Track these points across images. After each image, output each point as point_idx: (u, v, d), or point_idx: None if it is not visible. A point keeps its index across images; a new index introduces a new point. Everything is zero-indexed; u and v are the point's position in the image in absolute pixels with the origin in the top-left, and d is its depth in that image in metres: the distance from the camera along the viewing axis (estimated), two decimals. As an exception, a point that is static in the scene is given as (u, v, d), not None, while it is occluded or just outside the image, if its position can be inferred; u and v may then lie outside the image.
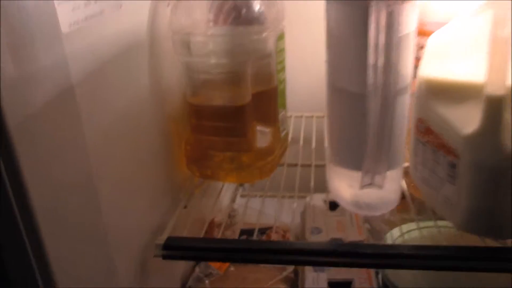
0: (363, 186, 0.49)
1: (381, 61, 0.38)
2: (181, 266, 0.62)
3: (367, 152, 0.45)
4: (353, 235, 0.63)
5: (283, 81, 0.61)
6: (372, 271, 0.59)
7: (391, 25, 0.37)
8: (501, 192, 0.41)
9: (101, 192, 0.40)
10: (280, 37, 0.57)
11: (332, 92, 0.48)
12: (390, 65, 0.39)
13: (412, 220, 0.60)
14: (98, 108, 0.40)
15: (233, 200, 0.88)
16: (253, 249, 0.47)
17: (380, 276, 0.58)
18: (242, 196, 0.90)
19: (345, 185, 0.52)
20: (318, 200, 0.74)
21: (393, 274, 0.55)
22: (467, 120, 0.42)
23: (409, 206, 0.57)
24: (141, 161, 0.49)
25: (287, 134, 0.65)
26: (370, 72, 0.39)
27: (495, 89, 0.38)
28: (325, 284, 0.57)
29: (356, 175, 0.49)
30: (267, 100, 0.58)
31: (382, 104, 0.41)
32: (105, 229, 0.41)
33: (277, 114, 0.60)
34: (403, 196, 0.56)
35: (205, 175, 0.59)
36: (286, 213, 0.82)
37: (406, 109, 0.47)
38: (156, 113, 0.53)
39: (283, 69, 0.60)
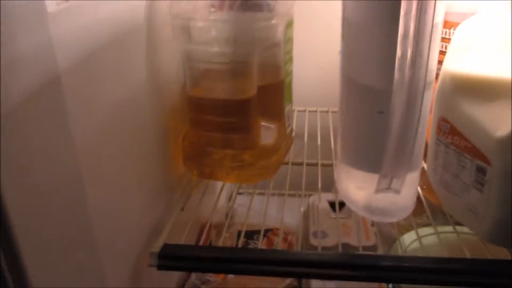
0: (379, 190, 0.44)
1: (410, 52, 0.34)
2: (177, 272, 0.58)
3: (387, 153, 0.41)
4: (362, 239, 0.59)
5: (290, 73, 0.57)
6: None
7: (424, 12, 0.33)
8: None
9: (91, 194, 0.35)
10: (289, 24, 0.52)
11: (348, 87, 0.44)
12: (420, 58, 0.34)
13: (424, 225, 0.56)
14: (89, 101, 0.35)
15: (230, 198, 0.84)
16: (257, 259, 0.42)
17: (392, 286, 0.54)
18: (239, 193, 0.86)
19: (357, 188, 0.48)
20: (321, 200, 0.70)
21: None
22: (500, 121, 0.38)
23: (422, 209, 0.53)
24: (135, 159, 0.44)
25: (292, 130, 0.61)
26: (398, 65, 0.35)
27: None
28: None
29: (370, 178, 0.45)
30: (274, 93, 0.54)
31: (408, 101, 0.37)
32: (95, 234, 0.37)
33: (283, 108, 0.55)
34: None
35: (204, 174, 0.54)
36: (287, 213, 0.78)
37: (429, 106, 0.43)
38: (153, 107, 0.48)
39: (290, 59, 0.56)
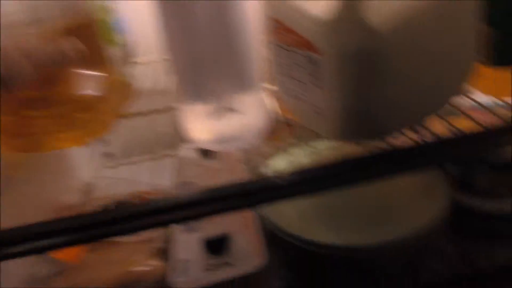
0: (217, 115, 0.39)
1: None
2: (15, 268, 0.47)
3: (210, 73, 0.35)
4: (229, 180, 0.54)
5: (106, 11, 0.48)
6: (250, 220, 0.50)
7: None
8: (373, 82, 0.33)
9: None
10: None
11: (160, 8, 0.36)
12: None
13: (290, 147, 0.52)
14: None
15: (97, 174, 0.75)
16: (93, 224, 0.35)
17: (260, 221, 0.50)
18: (110, 167, 0.78)
19: (201, 123, 0.42)
20: (189, 149, 0.63)
21: (275, 216, 0.47)
22: (323, 4, 0.33)
23: (283, 132, 0.49)
24: None
25: (128, 78, 0.53)
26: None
27: None
28: (200, 245, 0.47)
29: (207, 107, 0.39)
30: (86, 35, 0.45)
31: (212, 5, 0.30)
32: None
33: (103, 52, 0.47)
34: (275, 122, 0.47)
35: (24, 148, 0.44)
36: (160, 175, 0.72)
37: (245, 10, 0.37)
38: None
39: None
